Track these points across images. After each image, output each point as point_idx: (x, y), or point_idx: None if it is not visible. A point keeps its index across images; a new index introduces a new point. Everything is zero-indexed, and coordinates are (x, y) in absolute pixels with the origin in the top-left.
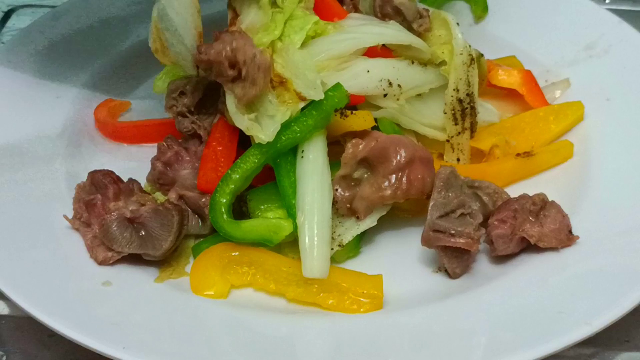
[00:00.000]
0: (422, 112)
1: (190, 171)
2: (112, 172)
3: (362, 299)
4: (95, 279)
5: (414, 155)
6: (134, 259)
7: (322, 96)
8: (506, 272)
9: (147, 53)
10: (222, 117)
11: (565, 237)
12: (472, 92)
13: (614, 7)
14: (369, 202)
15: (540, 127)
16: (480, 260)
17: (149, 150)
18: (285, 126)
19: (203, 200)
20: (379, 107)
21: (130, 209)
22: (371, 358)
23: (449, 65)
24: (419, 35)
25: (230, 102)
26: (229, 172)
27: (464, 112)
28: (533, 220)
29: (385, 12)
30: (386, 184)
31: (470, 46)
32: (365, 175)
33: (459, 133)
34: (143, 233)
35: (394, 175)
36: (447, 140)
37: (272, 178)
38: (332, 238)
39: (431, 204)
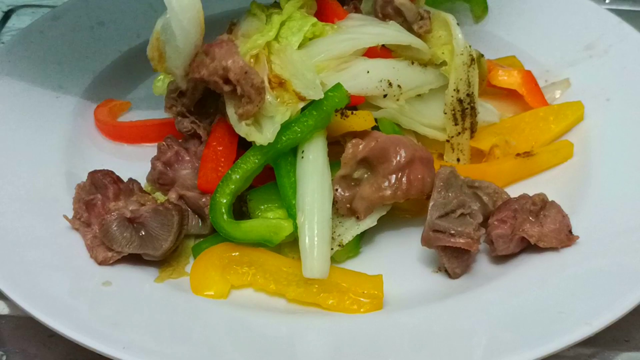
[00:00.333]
0: (422, 112)
1: (190, 171)
2: (112, 172)
3: (362, 299)
4: (95, 279)
5: (414, 156)
6: (134, 259)
7: (321, 96)
8: (506, 272)
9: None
10: (222, 117)
11: (565, 237)
12: (473, 93)
13: (614, 7)
14: (369, 202)
15: (540, 127)
16: (480, 260)
17: (149, 150)
18: (286, 126)
19: (203, 200)
20: (379, 108)
21: (130, 209)
22: (371, 358)
23: (449, 65)
24: (419, 36)
25: (230, 109)
26: (229, 172)
27: (464, 112)
28: (533, 220)
29: (386, 12)
30: (386, 184)
31: (470, 46)
32: (365, 175)
33: (459, 133)
34: (143, 233)
35: (394, 176)
36: (447, 141)
37: (272, 178)
38: (332, 238)
39: (431, 204)
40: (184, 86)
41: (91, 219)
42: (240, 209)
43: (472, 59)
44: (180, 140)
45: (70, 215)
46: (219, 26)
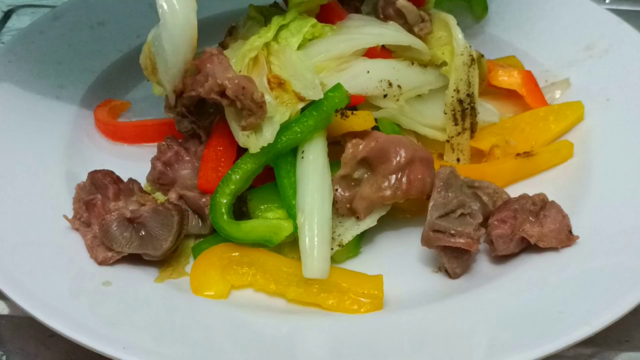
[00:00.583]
0: (422, 112)
1: (190, 171)
2: (112, 172)
3: (362, 299)
4: (95, 279)
5: (414, 156)
6: (134, 259)
7: (321, 96)
8: (506, 272)
9: None
10: (222, 117)
11: (565, 237)
12: (473, 93)
13: (614, 7)
14: (369, 202)
15: (540, 127)
16: (480, 260)
17: (149, 150)
18: (286, 127)
19: (203, 200)
20: (379, 108)
21: (130, 209)
22: (371, 358)
23: (450, 65)
24: (420, 37)
25: (229, 117)
26: (230, 172)
27: (464, 113)
28: (533, 220)
29: (387, 13)
30: (386, 184)
31: (470, 47)
32: (365, 176)
33: (459, 133)
34: (143, 233)
35: (394, 176)
36: (447, 141)
37: (272, 178)
38: (332, 238)
39: (431, 204)
40: (172, 102)
41: (91, 219)
42: (240, 209)
43: (472, 59)
44: (180, 140)
45: (70, 215)
46: (219, 27)
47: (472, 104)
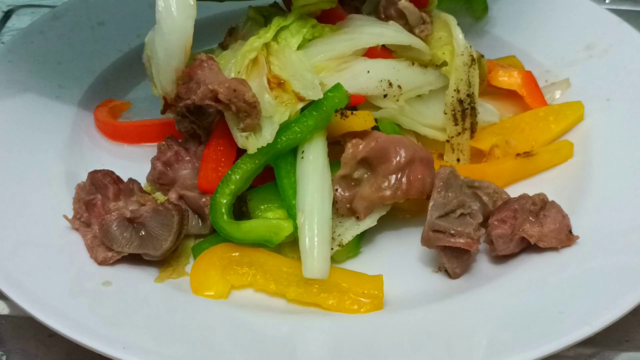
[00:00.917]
0: (422, 112)
1: (190, 171)
2: (112, 172)
3: (362, 299)
4: (95, 279)
5: (414, 156)
6: (134, 259)
7: (321, 96)
8: (506, 272)
9: None
10: (222, 117)
11: (565, 237)
12: (473, 93)
13: (614, 7)
14: (369, 202)
15: (540, 127)
16: (480, 260)
17: (149, 150)
18: (286, 127)
19: (203, 200)
20: (379, 108)
21: (130, 209)
22: (371, 358)
23: (450, 65)
24: (420, 38)
25: (228, 117)
26: (230, 172)
27: (464, 113)
28: (533, 220)
29: (388, 13)
30: (386, 184)
31: (470, 47)
32: (365, 176)
33: (459, 133)
34: (143, 233)
35: (394, 176)
36: (447, 141)
37: (272, 178)
38: (332, 238)
39: (431, 204)
40: (163, 108)
41: (91, 219)
42: (240, 209)
43: (473, 60)
44: (180, 140)
45: (70, 215)
46: (219, 27)
47: (472, 104)
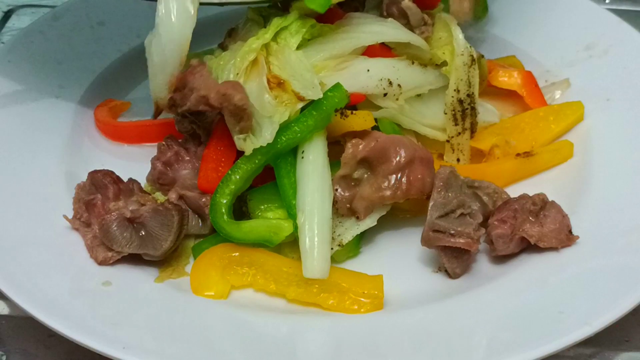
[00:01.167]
0: (422, 112)
1: (190, 171)
2: (112, 172)
3: (362, 299)
4: (95, 279)
5: (413, 156)
6: (134, 259)
7: (320, 95)
8: (506, 272)
9: None
10: (222, 118)
11: (565, 237)
12: (473, 93)
13: (614, 7)
14: (369, 202)
15: (540, 127)
16: (480, 260)
17: (149, 150)
18: (286, 127)
19: (203, 200)
20: (379, 107)
21: (130, 209)
22: (371, 358)
23: (450, 65)
24: None
25: (227, 119)
26: (230, 172)
27: (465, 113)
28: (533, 220)
29: (390, 12)
30: (386, 184)
31: (471, 47)
32: (365, 175)
33: (459, 133)
34: (143, 233)
35: (394, 176)
36: (447, 141)
37: (272, 178)
38: (332, 238)
39: (431, 204)
40: (155, 113)
41: (91, 219)
42: (240, 209)
43: (473, 60)
44: (180, 140)
45: (71, 215)
46: (219, 28)
47: (472, 104)
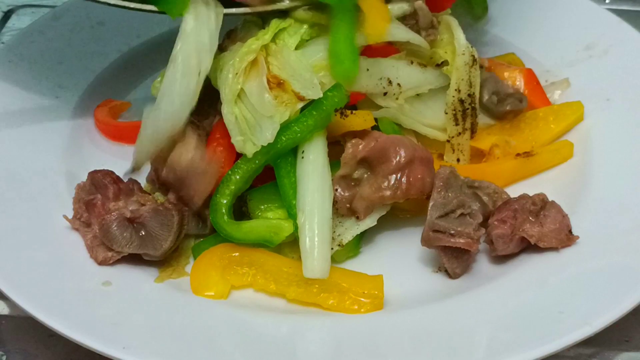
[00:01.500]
0: (422, 112)
1: None
2: (112, 172)
3: (362, 299)
4: (95, 279)
5: (413, 156)
6: (134, 259)
7: (320, 95)
8: (506, 272)
9: (147, 53)
10: (221, 118)
11: (565, 237)
12: (474, 93)
13: (614, 7)
14: (369, 202)
15: (540, 127)
16: (480, 260)
17: None
18: (286, 127)
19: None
20: (379, 107)
21: (130, 209)
22: (371, 358)
23: (451, 65)
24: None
25: (227, 119)
26: (230, 172)
27: (465, 113)
28: (533, 220)
29: None
30: (386, 184)
31: (472, 47)
32: (365, 175)
33: (460, 133)
34: (143, 233)
35: (394, 176)
36: (448, 141)
37: (272, 178)
38: (332, 238)
39: (431, 204)
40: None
41: (91, 219)
42: (240, 209)
43: (474, 60)
44: None
45: (71, 215)
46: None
47: (473, 104)
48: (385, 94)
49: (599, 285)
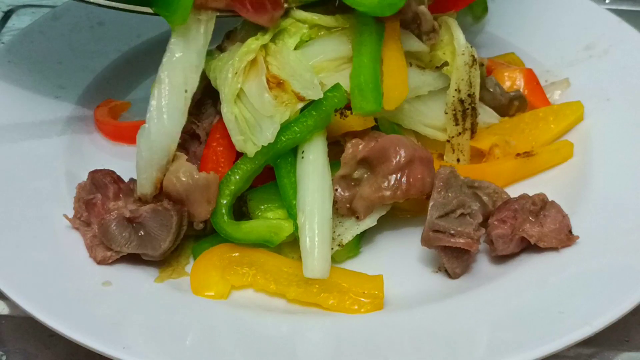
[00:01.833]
0: (422, 112)
1: None
2: (112, 172)
3: (362, 299)
4: (95, 279)
5: (413, 156)
6: (134, 259)
7: (321, 95)
8: (506, 272)
9: (147, 53)
10: (221, 118)
11: (565, 237)
12: (474, 93)
13: (614, 7)
14: (369, 202)
15: (540, 127)
16: (480, 260)
17: None
18: (286, 127)
19: None
20: None
21: (130, 208)
22: (371, 358)
23: (451, 65)
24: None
25: (227, 119)
26: (229, 173)
27: (465, 113)
28: (533, 220)
29: (404, 14)
30: (386, 184)
31: (472, 47)
32: (365, 175)
33: (460, 133)
34: (142, 233)
35: (394, 176)
36: (448, 141)
37: (272, 178)
38: (332, 238)
39: (431, 204)
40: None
41: (91, 219)
42: (240, 209)
43: (474, 60)
44: (179, 141)
45: (71, 215)
46: (218, 29)
47: (472, 104)
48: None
49: (599, 285)
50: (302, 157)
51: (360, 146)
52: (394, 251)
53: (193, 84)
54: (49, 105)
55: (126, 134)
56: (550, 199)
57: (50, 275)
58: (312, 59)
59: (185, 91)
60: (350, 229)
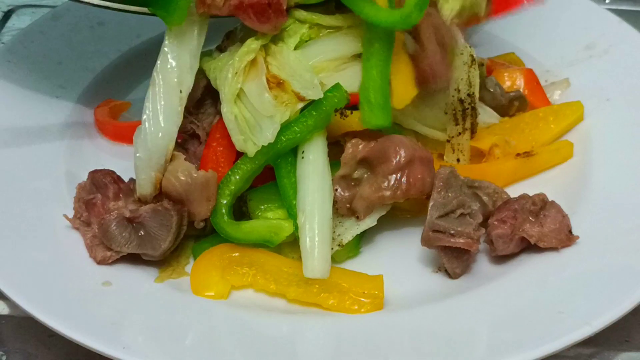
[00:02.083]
0: (422, 112)
1: None
2: (112, 172)
3: (362, 299)
4: (95, 279)
5: (413, 156)
6: (134, 259)
7: (321, 95)
8: (506, 272)
9: (147, 53)
10: (221, 118)
11: (565, 237)
12: (473, 93)
13: (614, 7)
14: (369, 202)
15: (540, 127)
16: (480, 260)
17: None
18: (285, 127)
19: None
20: None
21: (130, 208)
22: (371, 358)
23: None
24: None
25: (227, 119)
26: (229, 173)
27: (465, 113)
28: (533, 220)
29: None
30: (386, 184)
31: (470, 47)
32: (365, 175)
33: (460, 133)
34: (142, 233)
35: (394, 176)
36: (448, 141)
37: (272, 178)
38: (332, 238)
39: (431, 204)
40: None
41: (91, 219)
42: (240, 209)
43: (473, 59)
44: (179, 141)
45: (71, 215)
46: (218, 29)
47: (472, 104)
48: None
49: (599, 285)
50: (302, 157)
51: (360, 146)
52: (394, 251)
53: (188, 84)
54: (49, 105)
55: (126, 134)
56: (550, 199)
57: (50, 275)
58: (312, 59)
59: (180, 91)
60: (350, 229)
